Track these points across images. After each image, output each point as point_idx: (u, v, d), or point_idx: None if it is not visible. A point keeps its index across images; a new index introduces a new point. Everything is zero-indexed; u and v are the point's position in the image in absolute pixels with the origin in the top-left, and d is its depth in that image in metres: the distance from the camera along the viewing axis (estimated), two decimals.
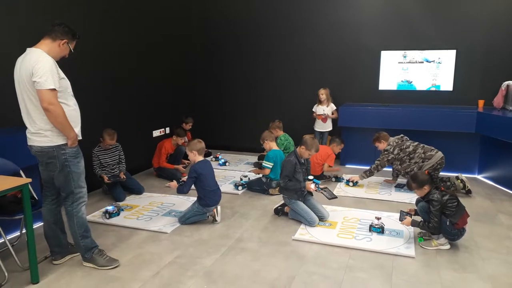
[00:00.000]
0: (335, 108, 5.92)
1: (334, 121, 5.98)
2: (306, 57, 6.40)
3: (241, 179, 5.06)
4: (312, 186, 3.90)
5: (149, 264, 3.08)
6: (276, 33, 6.50)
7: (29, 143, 2.81)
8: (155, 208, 4.26)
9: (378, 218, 3.68)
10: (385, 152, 4.88)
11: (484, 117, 5.09)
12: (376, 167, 4.89)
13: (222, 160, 6.17)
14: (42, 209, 3.05)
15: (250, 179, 5.07)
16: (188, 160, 5.86)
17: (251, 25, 6.62)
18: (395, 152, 4.80)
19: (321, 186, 4.03)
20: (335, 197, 4.20)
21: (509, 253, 3.25)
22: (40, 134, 2.72)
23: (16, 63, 2.73)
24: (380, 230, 3.60)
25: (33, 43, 2.76)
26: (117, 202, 4.36)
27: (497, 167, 5.14)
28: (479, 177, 5.33)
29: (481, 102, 5.51)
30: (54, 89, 2.62)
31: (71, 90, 2.85)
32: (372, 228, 3.64)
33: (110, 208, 4.00)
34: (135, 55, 5.50)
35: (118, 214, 4.03)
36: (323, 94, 5.85)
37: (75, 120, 2.83)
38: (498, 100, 5.28)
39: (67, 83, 2.79)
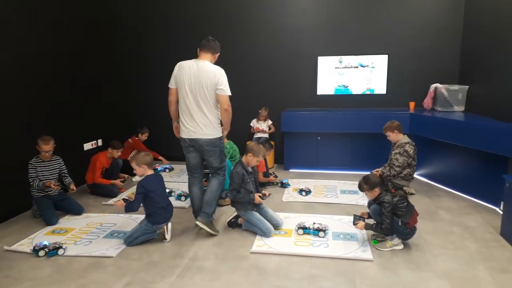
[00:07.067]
0: (271, 122, 6.30)
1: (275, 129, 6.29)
2: (248, 64, 6.31)
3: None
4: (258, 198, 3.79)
5: None
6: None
7: (194, 136, 3.54)
8: (94, 230, 3.84)
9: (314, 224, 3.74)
10: (405, 153, 4.60)
11: (416, 118, 5.38)
12: (398, 174, 4.64)
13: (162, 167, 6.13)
14: (192, 190, 3.82)
15: None
16: (126, 173, 5.49)
17: (189, 31, 6.38)
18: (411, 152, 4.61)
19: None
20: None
21: (457, 248, 3.41)
22: (211, 127, 3.53)
23: (187, 68, 3.48)
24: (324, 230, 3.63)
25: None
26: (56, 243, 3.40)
27: (431, 165, 5.46)
28: (415, 175, 5.62)
29: (412, 104, 5.82)
30: (230, 95, 3.52)
31: None
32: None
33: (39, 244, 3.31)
34: (59, 55, 4.99)
35: (49, 255, 3.27)
36: (264, 112, 6.23)
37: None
38: (427, 102, 5.63)
39: None
